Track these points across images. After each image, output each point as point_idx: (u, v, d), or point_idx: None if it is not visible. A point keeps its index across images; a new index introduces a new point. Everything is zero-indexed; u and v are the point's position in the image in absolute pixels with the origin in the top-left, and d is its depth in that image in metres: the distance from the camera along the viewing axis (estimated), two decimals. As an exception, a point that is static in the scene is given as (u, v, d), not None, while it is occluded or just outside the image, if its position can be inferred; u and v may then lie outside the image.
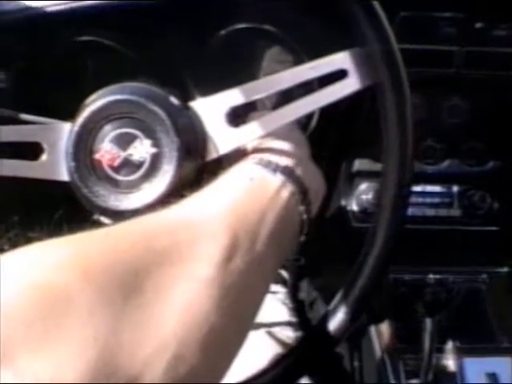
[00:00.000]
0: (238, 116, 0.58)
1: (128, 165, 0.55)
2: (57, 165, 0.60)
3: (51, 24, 0.90)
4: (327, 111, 0.98)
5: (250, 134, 0.57)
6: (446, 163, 1.04)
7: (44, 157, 0.61)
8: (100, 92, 0.58)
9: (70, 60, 0.96)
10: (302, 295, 1.36)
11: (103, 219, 0.58)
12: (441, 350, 1.01)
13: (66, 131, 0.59)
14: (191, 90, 0.92)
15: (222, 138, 0.57)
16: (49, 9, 0.88)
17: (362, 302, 0.57)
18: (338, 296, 0.59)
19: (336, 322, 0.57)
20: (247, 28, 0.90)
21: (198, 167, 0.56)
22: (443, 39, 0.91)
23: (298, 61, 1.01)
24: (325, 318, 0.58)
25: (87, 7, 0.88)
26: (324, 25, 0.86)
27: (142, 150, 0.55)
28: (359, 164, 1.06)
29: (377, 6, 0.54)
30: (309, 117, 0.99)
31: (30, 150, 0.64)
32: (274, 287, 1.22)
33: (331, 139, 1.04)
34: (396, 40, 0.55)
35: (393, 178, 0.55)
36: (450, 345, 1.01)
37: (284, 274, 1.29)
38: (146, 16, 0.89)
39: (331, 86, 0.56)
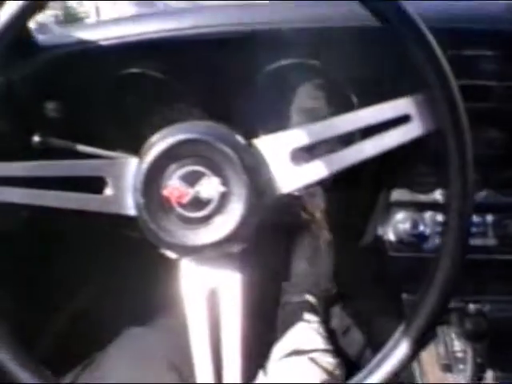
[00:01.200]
0: (301, 155, 0.59)
1: (196, 202, 0.57)
2: (122, 199, 0.61)
3: (102, 57, 0.93)
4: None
5: (313, 173, 0.58)
6: (481, 193, 1.05)
7: (108, 191, 0.62)
8: (168, 130, 0.59)
9: (119, 91, 0.99)
10: (334, 322, 1.37)
11: (170, 254, 0.60)
12: (481, 379, 1.01)
13: (130, 166, 0.61)
14: (237, 123, 0.94)
15: (286, 176, 0.59)
16: (100, 43, 0.90)
17: (425, 333, 0.57)
18: (400, 329, 0.59)
19: (399, 355, 0.58)
20: (294, 63, 0.92)
21: (264, 205, 0.58)
22: (483, 75, 0.93)
23: (332, 98, 1.04)
24: (387, 352, 0.59)
25: (138, 41, 0.90)
26: (375, 62, 0.87)
27: (210, 187, 0.56)
28: (397, 194, 1.07)
29: (440, 53, 0.55)
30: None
31: (92, 184, 0.66)
32: (307, 316, 1.23)
33: (370, 170, 1.06)
34: None
35: (455, 216, 0.56)
36: (489, 374, 1.01)
37: (314, 302, 1.30)
38: (195, 50, 0.92)
39: (394, 130, 0.57)
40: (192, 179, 0.57)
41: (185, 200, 0.57)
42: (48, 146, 0.81)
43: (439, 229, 1.05)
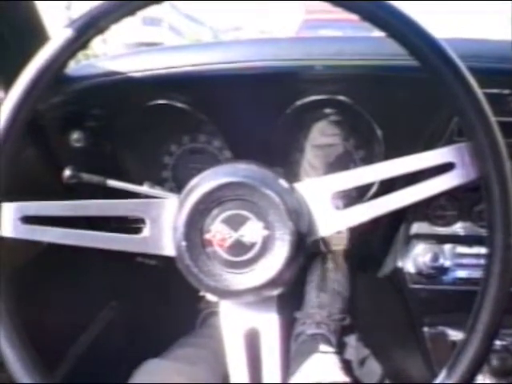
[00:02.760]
0: (341, 198, 0.59)
1: (239, 246, 0.57)
2: (160, 239, 0.61)
3: (129, 89, 0.94)
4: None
5: (354, 218, 0.58)
6: None
7: (146, 231, 0.62)
8: (210, 172, 0.60)
9: (143, 121, 0.99)
10: (350, 353, 1.36)
11: (211, 297, 0.59)
12: None
13: (170, 207, 0.61)
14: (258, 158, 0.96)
15: (327, 220, 0.59)
16: (128, 75, 0.91)
17: (471, 374, 0.57)
18: (445, 368, 0.59)
19: None
20: (322, 99, 0.93)
21: (305, 249, 0.58)
22: (507, 112, 0.94)
23: (350, 136, 1.05)
24: None
25: (165, 74, 0.91)
26: (405, 100, 0.88)
27: (253, 231, 0.56)
28: (417, 226, 1.07)
29: (483, 99, 0.56)
30: (369, 184, 1.02)
31: (129, 223, 0.66)
32: (322, 347, 1.22)
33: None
34: None
35: (498, 259, 0.56)
36: None
37: (328, 333, 1.29)
38: (222, 83, 0.92)
39: (437, 177, 0.57)
40: (235, 223, 0.57)
41: (227, 244, 0.57)
42: (79, 181, 0.82)
43: (459, 261, 1.05)
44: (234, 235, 0.56)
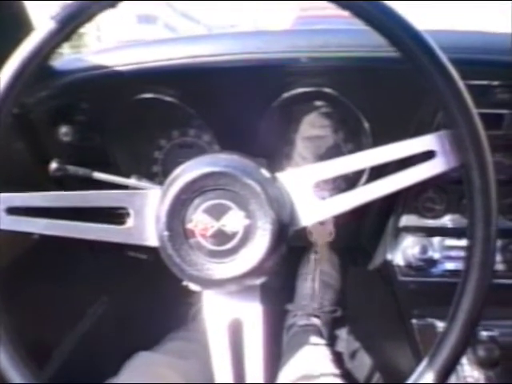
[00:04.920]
0: (323, 188, 0.60)
1: (221, 235, 0.57)
2: (144, 230, 0.62)
3: (116, 82, 0.94)
4: (376, 168, 1.02)
5: (336, 207, 0.59)
6: None
7: (130, 222, 0.62)
8: (192, 162, 0.60)
9: (131, 115, 0.99)
10: (341, 345, 1.37)
11: (193, 287, 0.60)
12: None
13: (153, 198, 0.61)
14: (248, 150, 0.96)
15: (309, 209, 0.59)
16: (115, 69, 0.91)
17: (452, 362, 0.57)
18: (426, 359, 0.59)
19: None
20: (308, 91, 0.93)
21: (287, 238, 0.58)
22: (495, 104, 0.94)
23: (343, 125, 1.05)
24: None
25: (152, 68, 0.91)
26: (390, 91, 0.88)
27: (235, 221, 0.57)
28: (406, 219, 1.08)
29: (464, 89, 0.56)
30: (359, 173, 1.02)
31: (113, 215, 0.66)
32: (313, 339, 1.23)
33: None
34: None
35: (478, 250, 0.57)
36: None
37: (320, 324, 1.30)
38: (209, 77, 0.93)
39: (419, 165, 0.58)
40: (217, 213, 0.57)
41: (209, 233, 0.57)
42: (65, 173, 0.82)
43: (447, 253, 1.06)
44: (216, 225, 0.57)
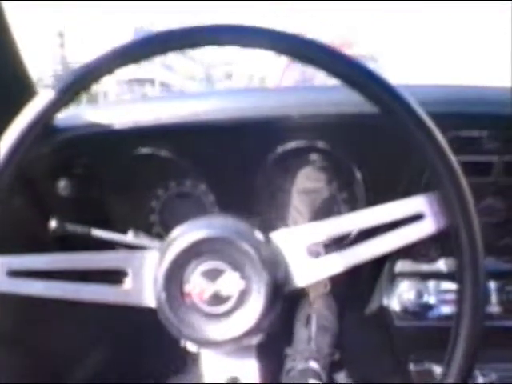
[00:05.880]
0: (317, 248, 0.61)
1: (217, 297, 0.59)
2: (142, 292, 0.63)
3: (115, 139, 0.96)
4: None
5: (329, 268, 0.60)
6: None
7: (128, 283, 0.64)
8: (189, 225, 0.62)
9: (129, 169, 1.02)
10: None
11: (190, 347, 0.61)
12: None
13: (151, 259, 0.63)
14: (243, 203, 0.98)
15: (303, 269, 0.61)
16: (114, 126, 0.94)
17: None
18: None
19: None
20: (302, 145, 0.96)
21: (282, 299, 0.59)
22: (485, 151, 0.97)
23: (336, 176, 1.08)
24: None
25: (150, 125, 0.94)
26: (382, 146, 0.91)
27: (230, 283, 0.58)
28: (401, 265, 1.09)
29: (449, 151, 0.58)
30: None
31: (110, 275, 0.67)
32: (311, 382, 1.23)
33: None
34: None
35: (469, 299, 0.58)
36: None
37: (318, 368, 1.30)
38: (205, 133, 0.95)
39: (408, 227, 0.60)
40: (213, 275, 0.59)
41: (205, 295, 0.59)
42: (65, 231, 0.83)
43: (443, 297, 1.07)
44: (212, 287, 0.58)
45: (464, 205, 0.57)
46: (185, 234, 0.59)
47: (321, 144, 0.96)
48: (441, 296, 1.07)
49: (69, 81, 0.60)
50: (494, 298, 1.06)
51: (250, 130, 0.93)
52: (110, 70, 0.60)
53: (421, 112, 0.58)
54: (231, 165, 0.96)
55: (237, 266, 0.58)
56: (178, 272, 0.59)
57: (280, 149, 0.97)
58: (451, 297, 1.07)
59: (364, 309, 1.22)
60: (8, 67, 0.90)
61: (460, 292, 0.58)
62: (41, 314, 1.06)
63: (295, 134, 0.96)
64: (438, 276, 1.07)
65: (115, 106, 0.98)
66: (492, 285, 1.07)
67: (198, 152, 0.96)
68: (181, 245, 0.59)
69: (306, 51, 0.57)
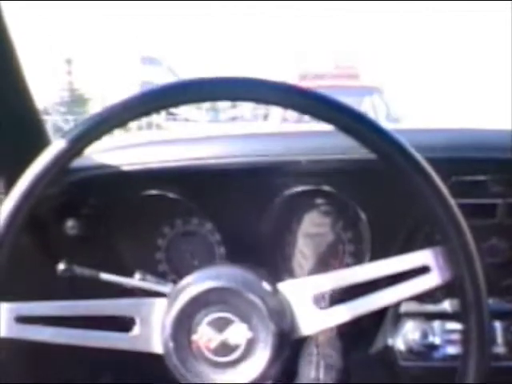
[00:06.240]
0: (323, 298, 0.62)
1: (224, 347, 0.59)
2: (150, 338, 0.64)
3: (123, 181, 0.98)
4: (377, 257, 1.04)
5: (336, 318, 0.61)
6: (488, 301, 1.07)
7: (136, 330, 0.65)
8: (197, 275, 0.63)
9: (136, 209, 1.03)
10: None
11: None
12: None
13: (159, 307, 0.64)
14: (250, 245, 0.99)
15: (310, 319, 0.62)
16: (122, 168, 0.95)
17: None
18: None
19: None
20: (308, 189, 0.97)
21: (288, 348, 0.60)
22: (489, 194, 0.98)
23: (338, 220, 1.09)
24: None
25: (158, 168, 0.96)
26: (387, 189, 0.92)
27: (237, 333, 0.59)
28: (406, 305, 1.09)
29: (455, 205, 0.59)
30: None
31: (120, 319, 0.68)
32: None
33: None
34: None
35: (474, 337, 0.59)
36: None
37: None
38: (213, 177, 0.97)
39: (414, 279, 0.60)
40: (220, 325, 0.60)
41: (213, 345, 0.59)
42: (73, 274, 0.84)
43: (448, 337, 1.07)
44: (220, 337, 0.59)
45: (469, 258, 0.58)
46: (193, 284, 0.61)
47: (326, 188, 0.97)
48: (446, 336, 1.07)
49: (81, 131, 0.62)
50: (499, 338, 1.06)
51: (257, 175, 0.95)
52: (121, 123, 0.61)
53: (418, 158, 0.60)
54: (237, 207, 0.97)
55: (244, 317, 0.59)
56: (186, 321, 0.60)
57: (286, 193, 0.98)
58: (456, 337, 1.06)
59: (369, 348, 1.22)
60: (21, 116, 0.93)
61: (465, 333, 0.59)
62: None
63: (301, 179, 0.97)
64: (443, 316, 1.07)
65: (122, 148, 0.99)
66: (497, 325, 1.06)
67: (205, 194, 0.98)
68: (189, 294, 0.60)
69: (294, 100, 0.59)
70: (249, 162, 0.93)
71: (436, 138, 1.00)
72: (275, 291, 0.62)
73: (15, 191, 0.62)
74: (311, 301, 0.61)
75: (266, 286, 0.61)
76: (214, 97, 0.61)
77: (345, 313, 0.60)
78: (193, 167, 0.94)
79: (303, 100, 0.60)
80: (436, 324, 1.07)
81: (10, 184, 0.70)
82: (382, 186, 0.93)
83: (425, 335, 1.06)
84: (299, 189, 0.98)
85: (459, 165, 0.96)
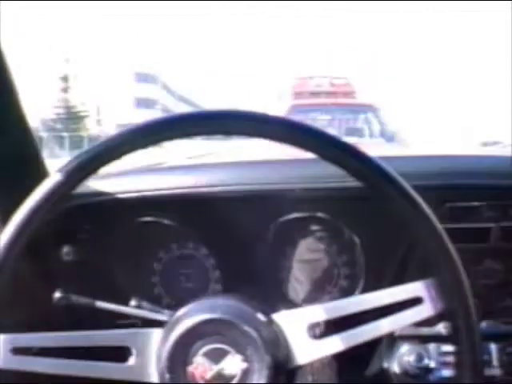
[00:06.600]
0: (317, 327, 0.63)
1: (220, 378, 0.60)
2: (146, 368, 0.64)
3: (118, 208, 0.99)
4: (371, 280, 1.05)
5: (330, 347, 0.62)
6: (483, 323, 1.08)
7: (132, 360, 0.65)
8: (193, 307, 0.63)
9: (132, 235, 1.04)
10: None
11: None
12: None
13: (155, 338, 0.64)
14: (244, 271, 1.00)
15: (304, 349, 0.62)
16: (117, 196, 0.96)
17: None
18: None
19: None
20: (303, 216, 0.98)
21: (283, 378, 0.61)
22: (483, 219, 0.99)
23: (332, 244, 1.10)
24: None
25: (153, 195, 0.96)
26: (380, 215, 0.93)
27: (233, 364, 0.60)
28: (401, 329, 1.10)
29: (450, 243, 0.60)
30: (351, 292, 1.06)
31: (115, 352, 0.68)
32: None
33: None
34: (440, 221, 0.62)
35: (467, 358, 0.60)
36: None
37: None
38: (207, 204, 0.98)
39: (407, 310, 0.61)
40: (215, 356, 0.60)
41: (208, 376, 0.60)
42: (69, 302, 0.85)
43: (444, 359, 1.07)
44: (215, 368, 0.60)
45: (461, 291, 0.59)
46: (189, 316, 0.61)
47: (321, 214, 0.98)
48: (441, 358, 1.07)
49: (77, 165, 0.63)
50: (494, 360, 1.06)
51: (251, 202, 0.96)
52: (119, 155, 0.62)
53: (406, 186, 0.61)
54: (232, 233, 0.98)
55: (239, 348, 0.59)
56: (182, 352, 0.60)
57: (281, 219, 0.99)
58: (452, 359, 1.07)
59: (365, 371, 1.22)
60: (19, 146, 0.94)
61: (458, 356, 0.60)
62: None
63: (296, 206, 0.98)
64: (438, 339, 1.07)
65: (118, 176, 1.00)
66: (492, 347, 1.07)
67: (200, 221, 0.99)
68: (185, 326, 0.60)
69: (283, 133, 0.61)
70: (243, 189, 0.94)
71: (430, 165, 1.02)
72: (270, 322, 0.62)
73: (11, 226, 0.63)
74: (306, 331, 0.62)
75: (261, 316, 0.62)
76: (222, 130, 0.62)
77: (339, 343, 0.61)
78: (187, 195, 0.95)
79: (291, 132, 0.61)
80: (431, 347, 1.07)
81: (7, 213, 0.70)
82: (374, 213, 0.94)
83: (420, 358, 1.06)
84: (294, 215, 0.99)
85: (453, 191, 0.98)
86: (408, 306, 0.62)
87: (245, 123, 0.61)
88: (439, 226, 0.61)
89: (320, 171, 0.95)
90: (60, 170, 0.64)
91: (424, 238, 0.61)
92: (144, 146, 0.61)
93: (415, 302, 0.62)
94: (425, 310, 0.62)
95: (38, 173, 0.96)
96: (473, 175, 0.99)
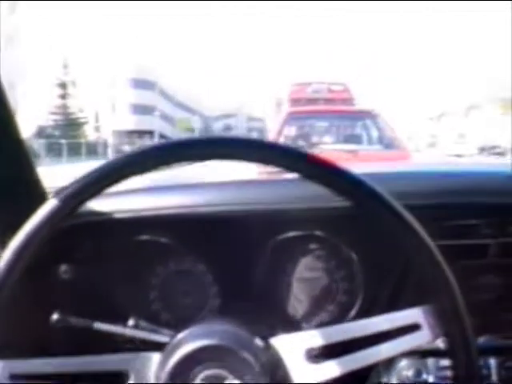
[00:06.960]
0: (315, 352, 0.63)
1: None
2: None
3: (115, 227, 0.99)
4: (369, 295, 1.05)
5: (328, 372, 0.62)
6: (482, 338, 1.08)
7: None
8: (190, 333, 0.63)
9: (129, 254, 1.04)
10: None
11: None
12: None
13: (153, 362, 0.64)
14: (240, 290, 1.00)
15: (301, 374, 0.63)
16: (114, 215, 0.96)
17: None
18: None
19: None
20: (300, 235, 0.98)
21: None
22: (481, 236, 1.00)
23: (331, 260, 1.10)
24: None
25: (150, 215, 0.97)
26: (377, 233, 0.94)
27: None
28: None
29: (444, 263, 0.61)
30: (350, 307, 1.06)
31: (113, 375, 0.68)
32: None
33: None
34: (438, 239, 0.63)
35: (464, 374, 0.60)
36: None
37: None
38: (205, 224, 0.98)
39: (405, 336, 0.61)
40: (214, 382, 0.60)
41: (207, 401, 0.60)
42: (67, 325, 0.85)
43: (443, 374, 1.07)
44: None
45: (459, 317, 0.60)
46: (187, 341, 0.61)
47: (318, 233, 0.98)
48: (440, 373, 1.07)
49: (76, 189, 0.63)
50: (494, 375, 1.06)
51: (249, 222, 0.96)
52: (119, 179, 0.62)
53: (391, 201, 0.61)
54: (230, 251, 0.98)
55: (237, 374, 0.59)
56: (180, 378, 0.60)
57: (278, 238, 0.99)
58: (450, 374, 1.06)
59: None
60: (14, 168, 0.94)
61: (455, 371, 0.60)
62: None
63: (293, 226, 0.99)
64: (437, 354, 1.07)
65: (116, 195, 1.00)
66: (492, 361, 1.07)
67: (198, 240, 0.99)
68: (183, 352, 0.61)
69: (273, 158, 0.61)
70: (241, 209, 0.94)
71: (427, 184, 1.02)
72: (267, 347, 0.62)
73: (9, 251, 0.63)
74: (303, 356, 0.62)
75: (259, 342, 0.62)
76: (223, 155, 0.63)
77: (337, 368, 0.61)
78: (185, 214, 0.95)
79: (286, 158, 0.61)
80: (429, 361, 1.08)
81: (4, 235, 0.70)
82: (371, 231, 0.94)
83: (419, 373, 1.07)
84: (291, 234, 1.00)
85: (451, 210, 0.98)
86: (406, 331, 0.62)
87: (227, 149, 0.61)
88: (428, 240, 0.62)
89: (317, 190, 0.95)
90: (59, 193, 0.64)
91: (421, 266, 0.61)
92: (147, 169, 0.62)
93: (413, 328, 0.62)
94: (423, 336, 0.62)
95: (35, 192, 0.96)
96: (471, 193, 0.99)
